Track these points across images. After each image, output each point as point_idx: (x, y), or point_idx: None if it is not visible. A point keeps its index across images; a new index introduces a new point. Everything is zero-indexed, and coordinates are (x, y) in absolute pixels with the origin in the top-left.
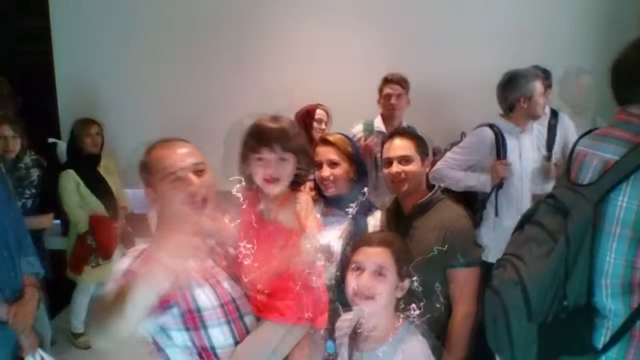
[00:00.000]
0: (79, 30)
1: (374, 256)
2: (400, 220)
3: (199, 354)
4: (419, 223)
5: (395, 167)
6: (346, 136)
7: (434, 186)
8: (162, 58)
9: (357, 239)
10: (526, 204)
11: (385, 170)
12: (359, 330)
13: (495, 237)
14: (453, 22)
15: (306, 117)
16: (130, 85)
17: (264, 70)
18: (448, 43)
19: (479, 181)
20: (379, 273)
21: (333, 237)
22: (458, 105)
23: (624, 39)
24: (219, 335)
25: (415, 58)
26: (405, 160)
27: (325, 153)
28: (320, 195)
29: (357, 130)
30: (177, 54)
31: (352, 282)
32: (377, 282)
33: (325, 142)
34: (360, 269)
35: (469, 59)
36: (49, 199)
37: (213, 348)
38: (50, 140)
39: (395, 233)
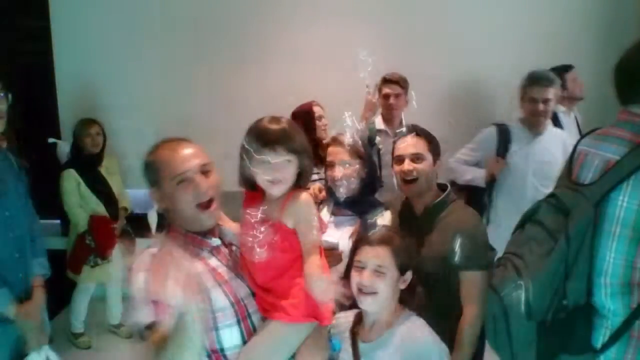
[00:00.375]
0: (79, 30)
1: (373, 255)
2: (412, 221)
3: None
4: (431, 224)
5: (407, 165)
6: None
7: (445, 186)
8: (162, 58)
9: (359, 238)
10: (527, 205)
11: (397, 167)
12: (361, 328)
13: (495, 237)
14: (453, 22)
15: (306, 116)
16: (131, 85)
17: (266, 70)
18: (448, 43)
19: (474, 175)
20: (379, 271)
21: (344, 237)
22: (458, 105)
23: (624, 39)
24: (227, 336)
25: (415, 58)
26: (416, 158)
27: (337, 153)
28: (331, 195)
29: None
30: (178, 54)
31: (355, 279)
32: (377, 279)
33: (336, 142)
34: (361, 267)
35: (469, 59)
36: (48, 199)
37: (221, 350)
38: (50, 140)
39: (405, 233)
